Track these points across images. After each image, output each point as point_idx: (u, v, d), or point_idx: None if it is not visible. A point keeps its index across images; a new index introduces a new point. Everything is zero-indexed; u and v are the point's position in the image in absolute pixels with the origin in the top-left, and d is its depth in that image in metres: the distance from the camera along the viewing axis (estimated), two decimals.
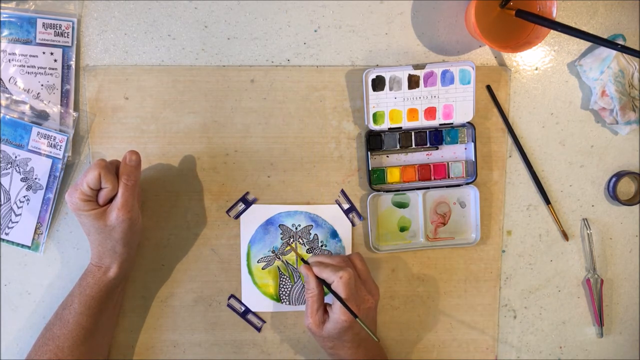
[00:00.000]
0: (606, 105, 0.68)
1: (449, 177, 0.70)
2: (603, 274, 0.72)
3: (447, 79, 0.67)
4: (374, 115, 0.67)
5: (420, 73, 0.67)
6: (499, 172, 0.70)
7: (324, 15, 0.68)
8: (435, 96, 0.67)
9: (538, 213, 0.71)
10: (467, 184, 0.69)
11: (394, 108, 0.67)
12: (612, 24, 0.69)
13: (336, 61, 0.68)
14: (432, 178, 0.70)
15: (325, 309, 0.62)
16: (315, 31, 0.68)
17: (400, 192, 0.70)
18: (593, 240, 0.71)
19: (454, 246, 0.71)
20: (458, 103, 0.67)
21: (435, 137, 0.69)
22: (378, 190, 0.69)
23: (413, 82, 0.67)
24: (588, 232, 0.71)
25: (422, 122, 0.68)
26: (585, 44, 0.70)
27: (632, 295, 0.73)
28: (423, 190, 0.69)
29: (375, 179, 0.69)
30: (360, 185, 0.70)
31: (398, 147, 0.69)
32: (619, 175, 0.71)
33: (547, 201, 0.71)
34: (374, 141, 0.68)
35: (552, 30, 0.62)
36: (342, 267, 0.61)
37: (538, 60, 0.70)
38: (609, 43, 0.60)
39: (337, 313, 0.60)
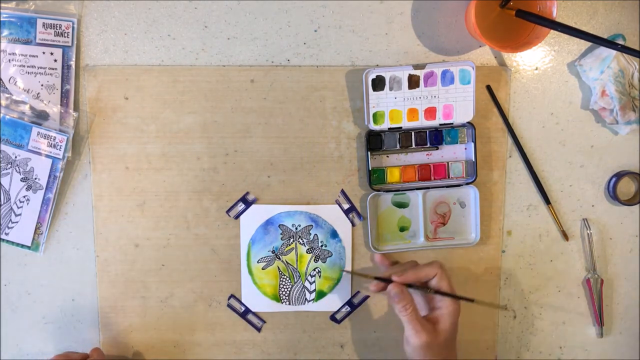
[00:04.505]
0: (606, 105, 0.68)
1: (449, 177, 0.70)
2: (603, 274, 0.72)
3: (447, 79, 0.67)
4: (374, 115, 0.67)
5: (420, 73, 0.67)
6: (499, 172, 0.70)
7: (324, 15, 0.68)
8: (435, 96, 0.67)
9: (538, 213, 0.71)
10: (467, 184, 0.69)
11: (394, 108, 0.67)
12: (612, 24, 0.69)
13: (336, 61, 0.68)
14: (432, 178, 0.70)
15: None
16: (315, 31, 0.68)
17: (400, 192, 0.70)
18: (593, 240, 0.71)
19: (454, 246, 0.71)
20: (458, 103, 0.67)
21: (435, 137, 0.69)
22: (378, 190, 0.69)
23: (413, 82, 0.67)
24: (588, 232, 0.71)
25: (422, 122, 0.68)
26: (585, 44, 0.69)
27: (632, 295, 0.73)
28: (423, 190, 0.69)
29: (375, 179, 0.69)
30: (360, 185, 0.70)
31: (398, 147, 0.69)
32: (619, 175, 0.70)
33: (547, 201, 0.71)
34: (374, 141, 0.68)
35: (552, 30, 0.62)
36: (430, 263, 0.63)
37: (538, 60, 0.70)
38: (609, 43, 0.60)
39: (448, 306, 0.60)
